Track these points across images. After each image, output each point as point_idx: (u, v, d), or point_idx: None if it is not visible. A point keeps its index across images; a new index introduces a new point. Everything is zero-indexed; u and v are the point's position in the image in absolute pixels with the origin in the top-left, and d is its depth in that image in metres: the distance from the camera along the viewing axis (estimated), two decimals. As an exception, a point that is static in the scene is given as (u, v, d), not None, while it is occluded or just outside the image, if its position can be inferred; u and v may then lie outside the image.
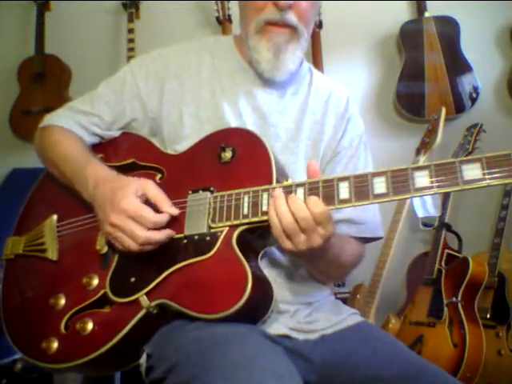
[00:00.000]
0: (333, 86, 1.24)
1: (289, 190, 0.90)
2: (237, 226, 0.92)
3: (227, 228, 0.93)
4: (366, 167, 1.19)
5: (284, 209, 0.86)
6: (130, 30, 2.63)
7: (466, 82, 2.45)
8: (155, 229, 0.94)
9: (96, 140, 1.18)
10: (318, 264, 1.03)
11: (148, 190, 0.96)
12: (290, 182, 0.93)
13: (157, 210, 0.95)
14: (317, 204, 0.85)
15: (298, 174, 1.10)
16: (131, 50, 2.57)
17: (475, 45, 2.53)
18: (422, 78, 2.48)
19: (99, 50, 2.77)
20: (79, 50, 2.75)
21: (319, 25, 2.56)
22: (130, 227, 0.92)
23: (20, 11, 2.84)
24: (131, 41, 2.60)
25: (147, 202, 0.96)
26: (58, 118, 1.17)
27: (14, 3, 2.83)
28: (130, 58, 2.51)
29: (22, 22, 2.84)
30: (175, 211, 0.96)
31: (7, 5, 2.82)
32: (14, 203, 1.22)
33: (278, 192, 0.88)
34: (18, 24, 2.85)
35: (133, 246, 0.93)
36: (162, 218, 0.94)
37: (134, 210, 0.92)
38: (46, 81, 2.65)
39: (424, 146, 2.17)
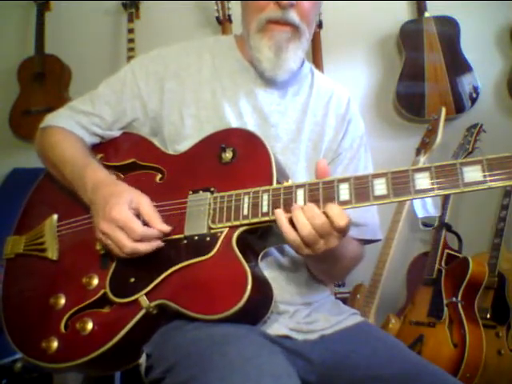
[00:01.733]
0: (334, 86, 1.23)
1: (289, 191, 0.90)
2: (237, 226, 0.92)
3: (227, 229, 0.93)
4: (366, 168, 1.19)
5: (303, 220, 0.85)
6: (130, 30, 2.63)
7: (466, 82, 2.45)
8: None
9: (96, 140, 1.18)
10: (323, 265, 1.03)
11: (142, 206, 0.96)
12: (290, 182, 0.92)
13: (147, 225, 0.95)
14: (341, 217, 0.83)
15: (299, 175, 1.10)
16: (131, 49, 2.57)
17: (475, 45, 2.52)
18: (422, 78, 2.47)
19: (99, 50, 2.77)
20: (79, 49, 2.75)
21: (319, 25, 2.55)
22: (118, 237, 0.92)
23: (20, 11, 2.84)
24: (131, 41, 2.59)
25: (139, 216, 0.95)
26: (59, 119, 1.17)
27: (14, 3, 2.82)
28: (129, 57, 2.51)
29: (22, 21, 2.84)
30: (167, 228, 0.95)
31: (7, 5, 2.82)
32: (14, 203, 1.22)
33: (296, 206, 0.87)
34: (18, 24, 2.85)
35: (120, 254, 0.94)
36: (150, 232, 0.94)
37: (124, 220, 0.92)
38: (46, 81, 2.65)
39: (424, 146, 2.17)
